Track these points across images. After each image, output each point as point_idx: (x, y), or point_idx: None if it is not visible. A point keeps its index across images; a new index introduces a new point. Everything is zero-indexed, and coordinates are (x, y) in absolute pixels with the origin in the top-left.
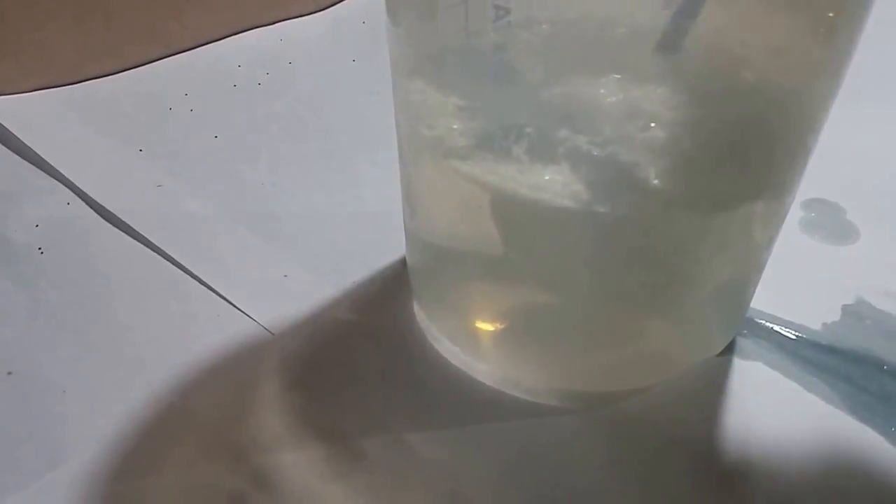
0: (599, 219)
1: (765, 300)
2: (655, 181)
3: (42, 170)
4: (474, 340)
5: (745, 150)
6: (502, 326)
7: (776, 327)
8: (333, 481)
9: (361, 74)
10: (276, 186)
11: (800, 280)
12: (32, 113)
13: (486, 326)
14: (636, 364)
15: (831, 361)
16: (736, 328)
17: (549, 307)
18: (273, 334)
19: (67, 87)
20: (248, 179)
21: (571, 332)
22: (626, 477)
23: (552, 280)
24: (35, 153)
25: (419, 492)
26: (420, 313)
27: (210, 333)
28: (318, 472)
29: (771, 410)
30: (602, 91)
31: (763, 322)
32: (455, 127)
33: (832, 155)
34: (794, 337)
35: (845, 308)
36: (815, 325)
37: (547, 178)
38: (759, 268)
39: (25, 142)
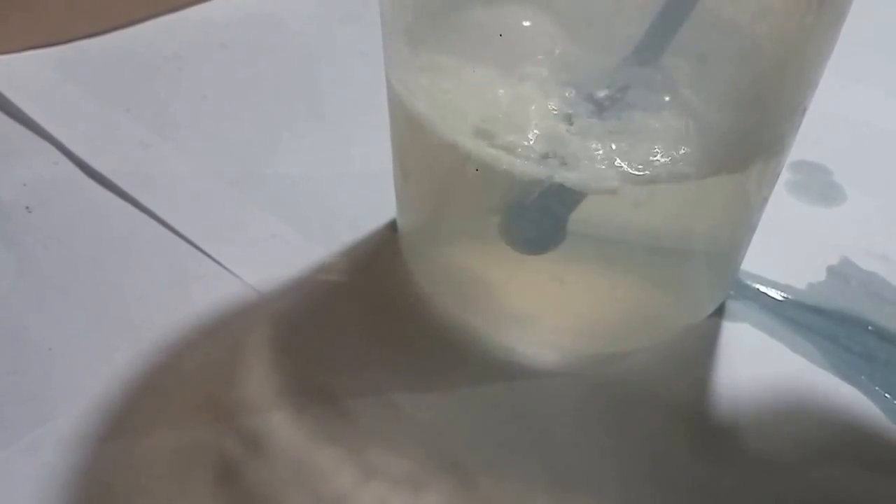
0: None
1: (751, 261)
2: (650, 139)
3: (29, 129)
4: (466, 302)
5: (740, 109)
6: (495, 289)
7: (762, 288)
8: (323, 442)
9: (350, 35)
10: (263, 146)
11: (786, 241)
12: (20, 73)
13: (477, 289)
14: (628, 327)
15: (817, 322)
16: (727, 291)
17: (541, 270)
18: (261, 294)
19: (55, 47)
20: (236, 139)
21: (564, 295)
22: (615, 438)
23: None
24: (22, 112)
25: (408, 452)
26: (411, 275)
27: (197, 293)
28: (308, 433)
29: (757, 371)
30: (596, 55)
31: (749, 283)
32: (448, 90)
33: (819, 117)
34: (780, 298)
35: (830, 269)
36: (801, 286)
37: (540, 139)
38: (752, 230)
39: (13, 101)
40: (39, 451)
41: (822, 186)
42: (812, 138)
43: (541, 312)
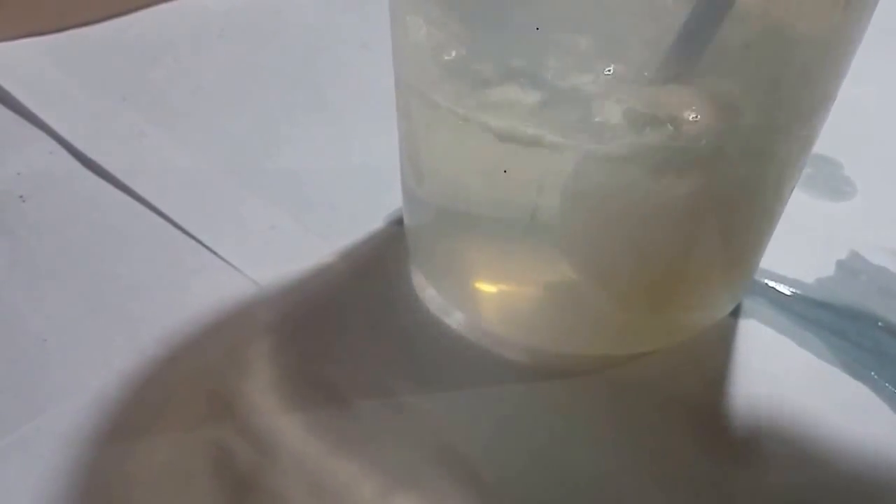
0: (625, 174)
1: None
2: (681, 136)
3: (24, 118)
4: (479, 303)
5: (778, 102)
6: (512, 289)
7: (771, 283)
8: (324, 438)
9: (349, 25)
10: (262, 137)
11: (795, 236)
12: (15, 61)
13: (494, 289)
14: (644, 329)
15: (826, 317)
16: (745, 290)
17: (563, 269)
18: (260, 286)
19: (51, 35)
20: (233, 130)
21: (576, 295)
22: (625, 437)
23: (570, 243)
24: (17, 101)
25: (412, 450)
26: (418, 273)
27: (195, 285)
28: (309, 429)
29: (766, 367)
30: (628, 40)
31: (758, 278)
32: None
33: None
34: (788, 293)
35: (839, 263)
36: (810, 281)
37: (565, 122)
38: (774, 226)
39: (8, 90)
40: (33, 444)
41: (832, 180)
42: (823, 131)
43: (553, 312)
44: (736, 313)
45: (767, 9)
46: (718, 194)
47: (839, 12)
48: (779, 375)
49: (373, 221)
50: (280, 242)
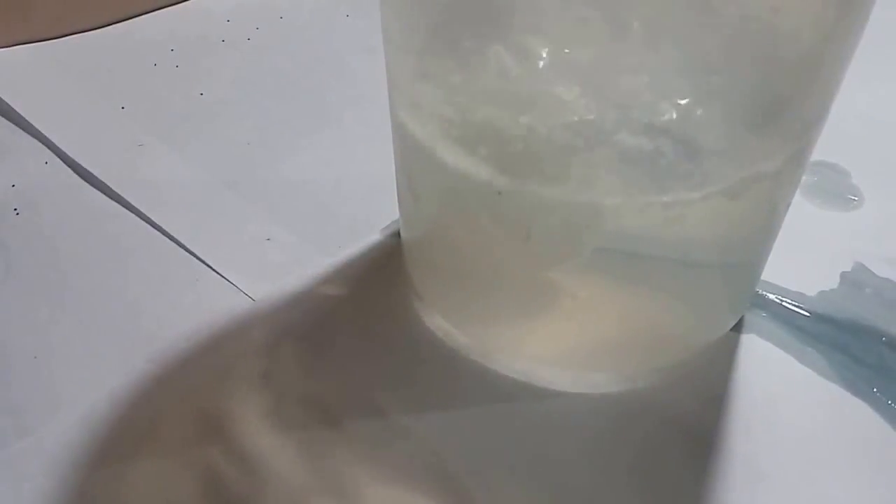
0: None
1: None
2: (673, 160)
3: (20, 128)
4: (476, 322)
5: (772, 114)
6: (508, 309)
7: (771, 296)
8: (317, 459)
9: (354, 30)
10: (262, 146)
11: (797, 246)
12: (11, 69)
13: (491, 308)
14: (643, 349)
15: (828, 332)
16: (747, 305)
17: (559, 290)
18: (255, 302)
19: (48, 41)
20: (234, 139)
21: (577, 312)
22: (621, 458)
23: (565, 262)
24: (13, 110)
25: (405, 472)
26: (413, 287)
27: (190, 300)
28: (301, 449)
29: (766, 385)
30: (613, 70)
31: (758, 291)
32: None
33: (838, 115)
34: (790, 307)
35: (844, 275)
36: (812, 294)
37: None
38: (775, 238)
39: (3, 98)
40: (21, 464)
41: (838, 189)
42: (830, 137)
43: (550, 332)
44: (737, 328)
45: (752, 16)
46: (719, 212)
47: (830, 20)
48: (778, 394)
49: (370, 234)
50: (275, 255)
